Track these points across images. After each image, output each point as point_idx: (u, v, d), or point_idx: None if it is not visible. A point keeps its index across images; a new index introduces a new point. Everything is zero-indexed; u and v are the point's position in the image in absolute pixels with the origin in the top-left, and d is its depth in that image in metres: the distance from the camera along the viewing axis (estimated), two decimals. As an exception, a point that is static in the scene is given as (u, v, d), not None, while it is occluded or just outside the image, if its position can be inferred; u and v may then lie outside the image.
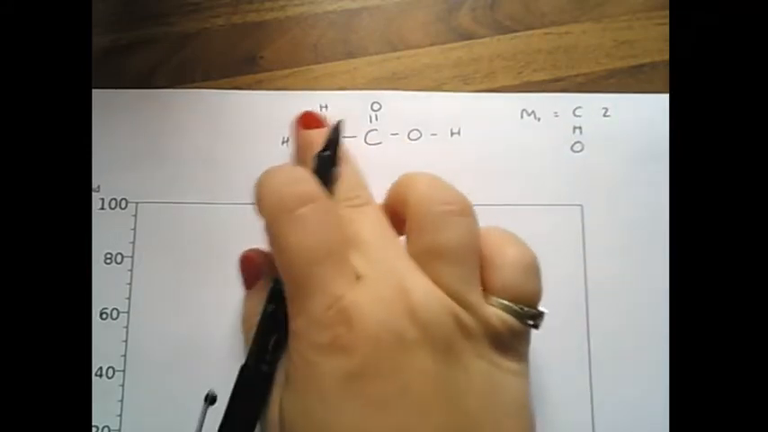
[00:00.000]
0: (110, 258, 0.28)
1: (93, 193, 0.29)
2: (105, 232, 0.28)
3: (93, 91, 0.29)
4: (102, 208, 0.29)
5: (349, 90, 0.30)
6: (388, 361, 0.18)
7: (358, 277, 0.20)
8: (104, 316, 0.28)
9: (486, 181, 0.29)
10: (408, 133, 0.30)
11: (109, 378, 0.27)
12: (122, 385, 0.27)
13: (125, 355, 0.27)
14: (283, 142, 0.29)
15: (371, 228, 0.22)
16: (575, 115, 0.30)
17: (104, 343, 0.27)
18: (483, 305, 0.20)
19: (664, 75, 0.30)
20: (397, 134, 0.30)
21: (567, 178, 0.29)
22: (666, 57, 0.30)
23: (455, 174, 0.30)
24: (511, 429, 0.19)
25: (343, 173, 0.23)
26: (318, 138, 0.24)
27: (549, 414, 0.27)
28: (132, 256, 0.28)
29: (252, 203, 0.22)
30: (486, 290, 0.21)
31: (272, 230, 0.21)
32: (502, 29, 0.31)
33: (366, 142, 0.30)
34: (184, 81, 0.30)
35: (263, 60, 0.31)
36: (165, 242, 0.28)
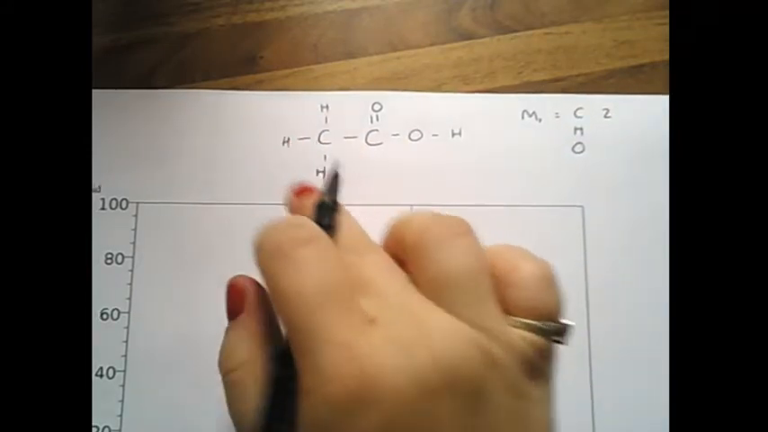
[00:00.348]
0: (110, 258, 0.28)
1: (94, 194, 0.29)
2: (106, 232, 0.28)
3: (93, 91, 0.29)
4: (103, 208, 0.29)
5: (349, 90, 0.30)
6: (413, 415, 0.17)
7: (371, 321, 0.18)
8: (105, 316, 0.28)
9: (488, 181, 0.29)
10: (409, 134, 0.30)
11: (109, 378, 0.27)
12: (122, 385, 0.27)
13: (125, 356, 0.27)
14: (284, 142, 0.29)
15: (379, 269, 0.20)
16: (576, 116, 0.30)
17: (105, 343, 0.27)
18: (505, 328, 0.19)
19: (664, 75, 0.30)
20: (398, 135, 0.30)
21: (568, 179, 0.29)
22: (666, 57, 0.30)
23: (456, 174, 0.30)
24: None
25: (344, 223, 0.22)
26: (310, 204, 0.23)
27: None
28: (133, 257, 0.28)
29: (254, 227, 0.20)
30: (505, 311, 0.19)
31: (268, 276, 0.19)
32: (502, 29, 0.31)
33: (367, 143, 0.30)
34: (184, 81, 0.30)
35: (263, 60, 0.31)
36: (165, 242, 0.28)
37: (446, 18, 0.31)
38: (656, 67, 0.30)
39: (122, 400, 0.27)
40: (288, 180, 0.29)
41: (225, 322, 0.28)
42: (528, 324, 0.19)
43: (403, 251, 0.20)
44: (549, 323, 0.19)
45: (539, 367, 0.19)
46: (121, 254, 0.28)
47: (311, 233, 0.19)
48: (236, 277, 0.22)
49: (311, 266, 0.18)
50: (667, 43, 0.31)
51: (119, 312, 0.28)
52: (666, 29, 0.31)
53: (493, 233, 0.29)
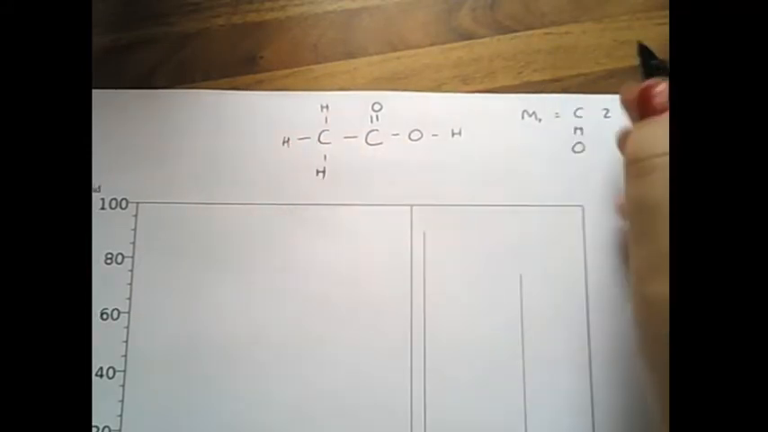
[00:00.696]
0: (110, 258, 0.28)
1: (94, 194, 0.29)
2: (106, 232, 0.28)
3: (93, 91, 0.29)
4: (103, 208, 0.29)
5: (349, 90, 0.30)
6: None
7: None
8: (105, 316, 0.28)
9: (488, 181, 0.29)
10: (409, 134, 0.30)
11: (109, 378, 0.27)
12: (122, 385, 0.27)
13: (125, 356, 0.27)
14: (284, 142, 0.29)
15: None
16: (576, 116, 0.30)
17: (105, 343, 0.27)
18: None
19: (664, 75, 0.30)
20: (397, 134, 0.30)
21: (568, 179, 0.29)
22: (666, 57, 0.30)
23: (456, 174, 0.30)
24: None
25: None
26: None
27: (550, 415, 0.27)
28: (133, 257, 0.28)
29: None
30: None
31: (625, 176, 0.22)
32: (502, 29, 0.31)
33: (367, 142, 0.30)
34: (184, 81, 0.30)
35: (263, 60, 0.31)
36: (165, 242, 0.28)
37: (446, 18, 0.31)
38: (656, 67, 0.30)
39: (122, 400, 0.27)
40: (288, 180, 0.29)
41: (225, 323, 0.28)
42: None
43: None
44: None
45: None
46: (121, 254, 0.28)
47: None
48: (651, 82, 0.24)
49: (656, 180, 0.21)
50: (667, 43, 0.31)
51: (119, 312, 0.28)
52: (666, 29, 0.31)
53: (493, 233, 0.29)
